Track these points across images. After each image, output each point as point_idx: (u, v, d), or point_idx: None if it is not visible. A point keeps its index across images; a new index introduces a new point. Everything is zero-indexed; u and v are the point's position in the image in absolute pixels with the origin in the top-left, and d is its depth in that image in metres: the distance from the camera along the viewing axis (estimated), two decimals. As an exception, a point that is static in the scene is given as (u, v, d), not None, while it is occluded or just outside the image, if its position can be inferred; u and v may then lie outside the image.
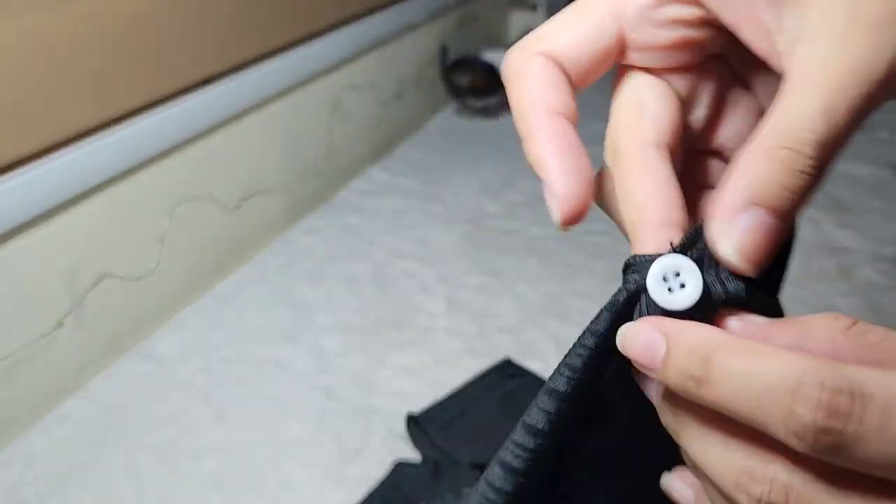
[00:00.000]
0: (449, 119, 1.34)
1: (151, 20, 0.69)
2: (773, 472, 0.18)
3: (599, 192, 0.24)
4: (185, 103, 0.74)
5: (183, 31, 0.73)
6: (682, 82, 0.24)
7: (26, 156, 0.61)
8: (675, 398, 0.21)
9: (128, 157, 0.69)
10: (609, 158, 0.24)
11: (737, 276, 0.21)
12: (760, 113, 0.25)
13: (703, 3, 0.22)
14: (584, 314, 0.79)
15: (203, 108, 0.76)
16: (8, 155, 0.59)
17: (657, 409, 0.22)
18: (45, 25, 0.59)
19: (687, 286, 0.21)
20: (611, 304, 0.22)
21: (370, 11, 1.05)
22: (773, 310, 0.22)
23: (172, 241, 0.78)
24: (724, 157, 0.26)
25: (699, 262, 0.21)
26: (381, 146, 1.19)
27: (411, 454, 0.63)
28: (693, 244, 0.22)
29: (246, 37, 0.82)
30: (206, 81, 0.78)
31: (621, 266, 0.22)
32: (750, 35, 0.21)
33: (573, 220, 0.22)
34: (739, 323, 0.21)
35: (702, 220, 0.21)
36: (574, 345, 0.23)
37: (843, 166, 1.17)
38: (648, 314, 0.21)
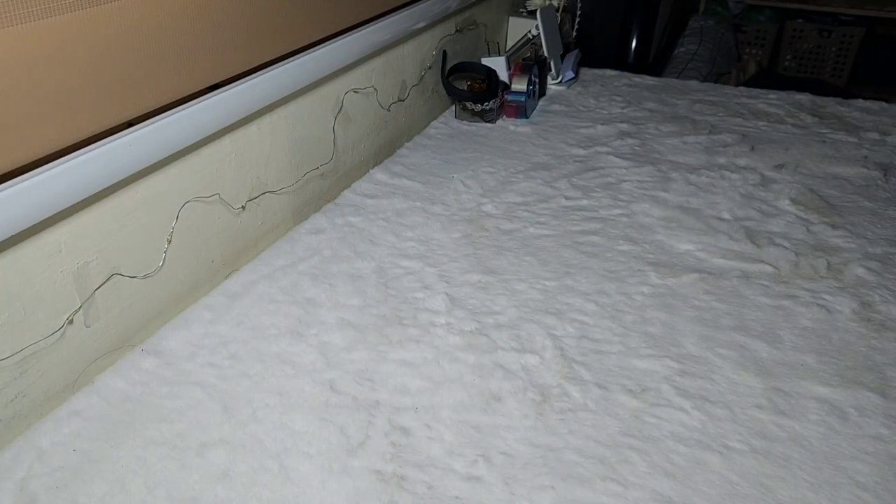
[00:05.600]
0: (449, 122, 1.36)
1: (161, 27, 0.71)
2: None
3: None
4: (192, 108, 0.75)
5: (191, 38, 0.75)
6: None
7: (38, 159, 0.62)
8: None
9: (137, 160, 0.70)
10: None
11: None
12: None
13: None
14: (580, 311, 0.81)
15: (210, 113, 0.78)
16: (20, 158, 0.61)
17: None
18: (58, 32, 0.61)
19: None
20: None
21: (373, 18, 1.07)
22: None
23: (180, 240, 0.80)
24: None
25: None
26: (384, 148, 1.20)
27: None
28: None
29: (252, 43, 0.84)
30: (213, 87, 0.79)
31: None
32: None
33: None
34: None
35: None
36: None
37: (834, 167, 1.19)
38: None
